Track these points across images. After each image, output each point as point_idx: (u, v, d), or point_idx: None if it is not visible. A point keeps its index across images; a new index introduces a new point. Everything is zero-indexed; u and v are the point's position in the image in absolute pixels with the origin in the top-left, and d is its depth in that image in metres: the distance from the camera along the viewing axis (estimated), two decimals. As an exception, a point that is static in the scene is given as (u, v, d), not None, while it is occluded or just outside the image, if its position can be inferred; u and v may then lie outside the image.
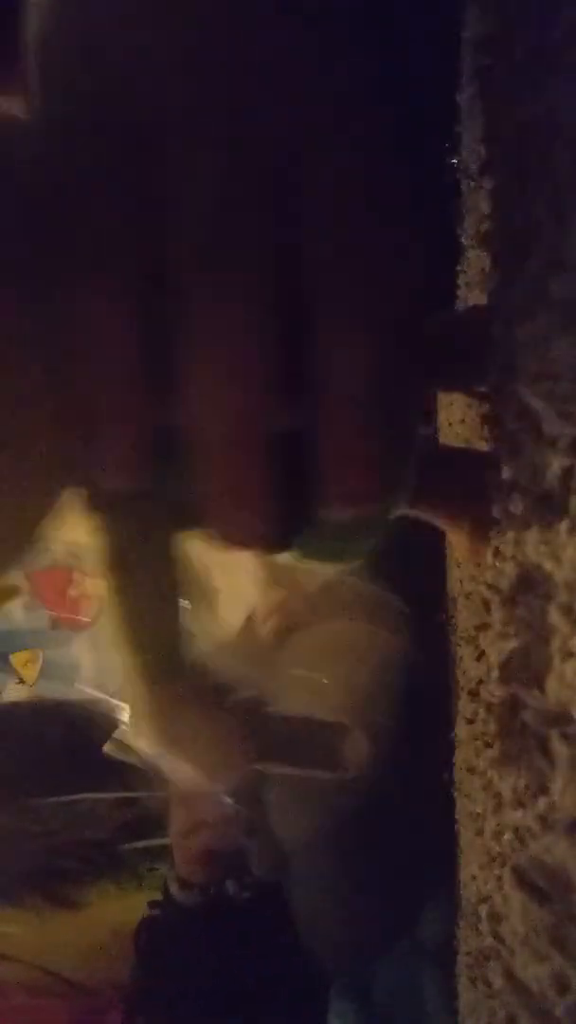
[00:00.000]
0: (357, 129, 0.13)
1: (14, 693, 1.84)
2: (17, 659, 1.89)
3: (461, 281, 0.31)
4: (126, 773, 0.66)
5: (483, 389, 0.22)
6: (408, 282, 0.13)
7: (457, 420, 0.31)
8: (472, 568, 0.24)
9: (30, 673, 1.89)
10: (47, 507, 0.13)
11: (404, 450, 0.14)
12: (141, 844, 0.65)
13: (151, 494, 0.13)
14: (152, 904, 0.60)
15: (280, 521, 0.13)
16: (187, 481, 0.13)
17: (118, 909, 0.62)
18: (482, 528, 0.20)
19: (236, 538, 0.13)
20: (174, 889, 0.59)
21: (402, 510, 0.19)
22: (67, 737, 0.72)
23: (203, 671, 0.17)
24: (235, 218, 0.12)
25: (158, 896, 0.60)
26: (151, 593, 0.16)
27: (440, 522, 0.22)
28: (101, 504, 0.15)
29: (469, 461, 0.22)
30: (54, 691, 1.84)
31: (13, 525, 0.13)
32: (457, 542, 0.22)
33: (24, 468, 0.12)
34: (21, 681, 1.87)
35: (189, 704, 0.17)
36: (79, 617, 1.86)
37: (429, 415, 0.37)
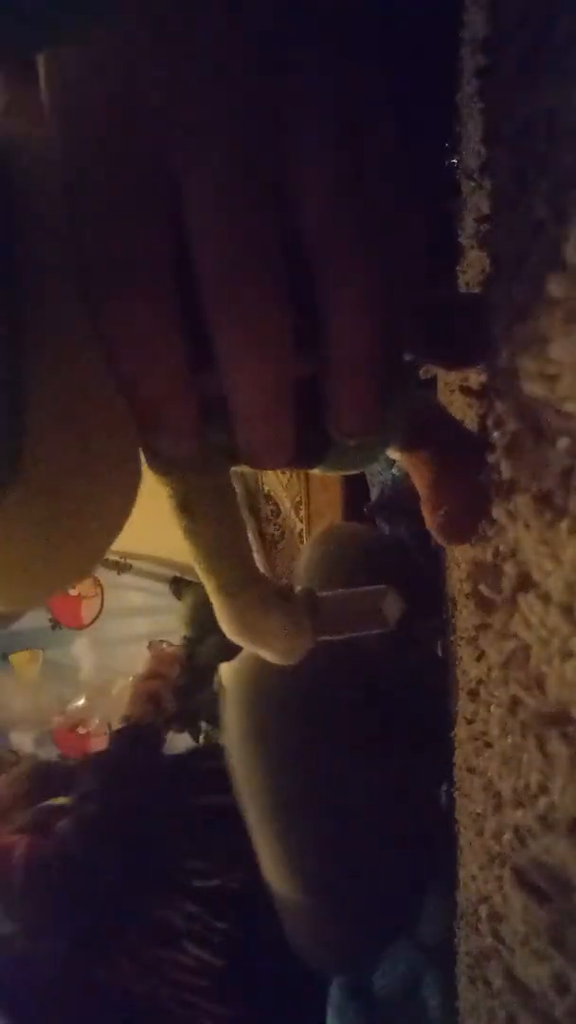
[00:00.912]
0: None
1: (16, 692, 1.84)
2: (17, 659, 1.89)
3: (461, 281, 0.31)
4: None
5: (481, 384, 0.22)
6: (409, 252, 0.16)
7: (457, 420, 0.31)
8: (472, 568, 0.24)
9: (30, 673, 1.89)
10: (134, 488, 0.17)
11: (396, 393, 0.18)
12: None
13: (204, 450, 0.17)
14: None
15: (307, 448, 0.18)
16: (231, 432, 0.17)
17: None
18: (464, 500, 0.21)
19: (274, 465, 0.17)
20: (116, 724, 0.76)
21: (398, 443, 0.22)
22: None
23: (267, 580, 0.21)
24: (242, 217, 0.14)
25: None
26: (217, 526, 0.20)
27: (426, 481, 0.22)
28: (163, 464, 0.18)
29: (468, 437, 0.22)
30: (54, 691, 1.85)
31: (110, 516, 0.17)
32: (432, 507, 0.22)
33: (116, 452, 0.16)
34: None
35: (264, 605, 0.21)
36: (79, 617, 1.86)
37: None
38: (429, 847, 0.51)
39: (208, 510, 0.19)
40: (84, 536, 0.17)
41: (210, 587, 0.20)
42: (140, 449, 0.17)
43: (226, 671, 0.58)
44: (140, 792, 0.75)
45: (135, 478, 0.17)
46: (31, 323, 0.15)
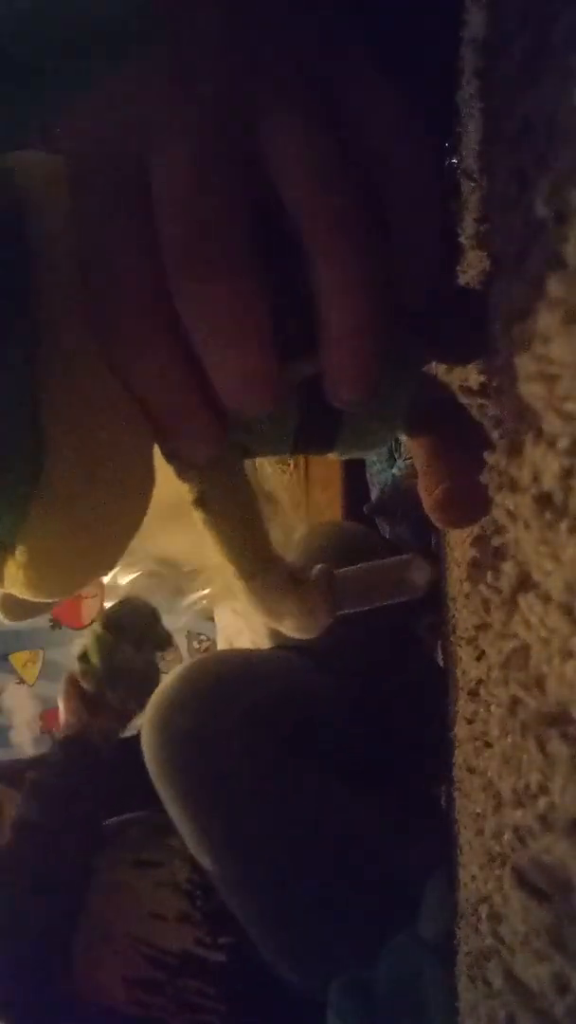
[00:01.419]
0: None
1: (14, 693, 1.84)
2: (17, 659, 1.89)
3: (461, 281, 0.31)
4: None
5: (481, 384, 0.22)
6: (410, 248, 0.16)
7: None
8: (471, 568, 0.24)
9: (30, 673, 1.89)
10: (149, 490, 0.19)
11: (394, 366, 0.18)
12: None
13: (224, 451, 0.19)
14: None
15: (319, 431, 0.20)
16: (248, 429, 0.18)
17: None
18: (463, 480, 0.20)
19: (261, 402, 0.17)
20: None
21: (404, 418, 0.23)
22: None
23: (283, 563, 0.23)
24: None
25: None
26: (232, 518, 0.21)
27: (426, 461, 0.22)
28: (182, 465, 0.20)
29: (473, 423, 0.22)
30: (54, 691, 1.84)
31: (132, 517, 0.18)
32: (430, 486, 0.22)
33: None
34: (21, 681, 1.88)
35: (280, 588, 0.22)
36: (79, 617, 1.86)
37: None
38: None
39: (223, 504, 0.21)
40: (103, 540, 0.18)
41: (229, 573, 0.22)
42: (153, 455, 0.18)
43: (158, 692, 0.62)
44: (70, 809, 0.69)
45: (149, 485, 0.19)
46: (46, 348, 0.16)
